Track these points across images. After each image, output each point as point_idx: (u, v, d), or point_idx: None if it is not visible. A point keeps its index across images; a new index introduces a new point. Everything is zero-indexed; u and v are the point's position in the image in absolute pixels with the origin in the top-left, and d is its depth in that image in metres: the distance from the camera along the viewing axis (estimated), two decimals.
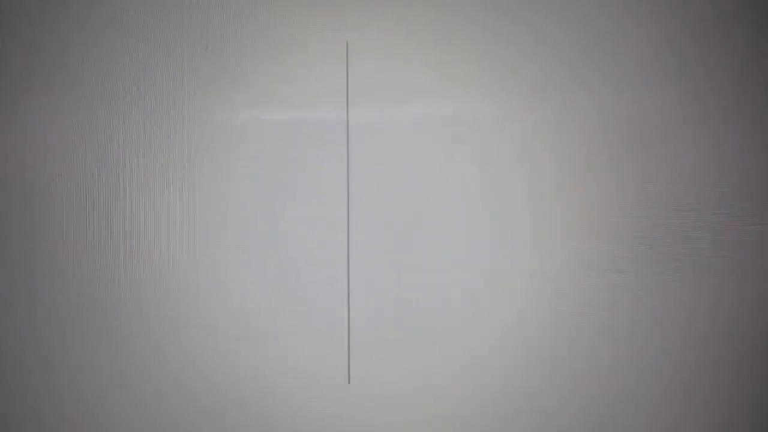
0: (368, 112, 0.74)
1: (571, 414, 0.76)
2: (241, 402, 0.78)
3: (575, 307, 0.74)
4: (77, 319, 0.78)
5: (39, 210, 0.77)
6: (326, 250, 0.76)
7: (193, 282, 0.77)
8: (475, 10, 0.73)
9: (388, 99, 0.74)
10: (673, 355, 0.74)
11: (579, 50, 0.73)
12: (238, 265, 0.76)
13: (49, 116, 0.76)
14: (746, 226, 0.72)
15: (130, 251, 0.77)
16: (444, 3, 0.73)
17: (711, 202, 0.73)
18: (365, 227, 0.75)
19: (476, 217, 0.75)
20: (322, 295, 0.76)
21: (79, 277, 0.77)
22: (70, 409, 0.79)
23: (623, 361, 0.74)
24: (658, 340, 0.74)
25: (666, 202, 0.73)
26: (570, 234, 0.74)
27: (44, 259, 0.78)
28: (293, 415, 0.78)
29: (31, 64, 0.75)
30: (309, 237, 0.76)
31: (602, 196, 0.73)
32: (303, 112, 0.74)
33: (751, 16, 0.71)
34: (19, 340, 0.78)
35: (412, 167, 0.75)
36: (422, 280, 0.75)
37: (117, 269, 0.77)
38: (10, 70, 0.75)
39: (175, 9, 0.74)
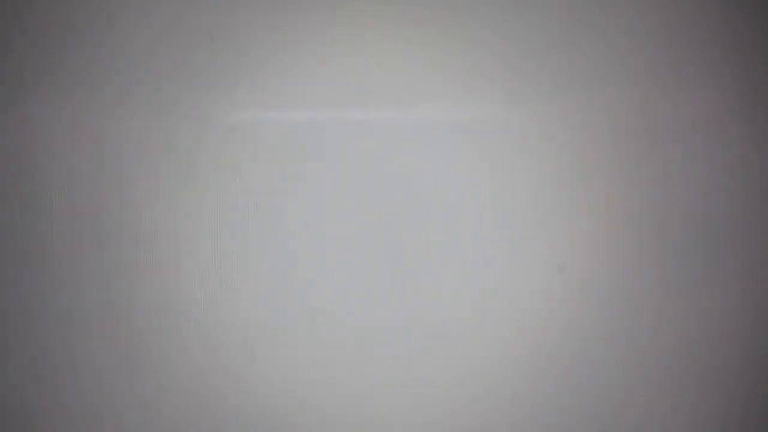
0: (369, 113, 0.74)
1: (578, 416, 0.76)
2: (244, 406, 0.78)
3: (580, 309, 0.75)
4: (82, 323, 0.78)
5: (44, 212, 0.77)
6: (330, 251, 0.76)
7: (199, 284, 0.77)
8: (479, 11, 0.73)
9: (391, 100, 0.74)
10: (681, 356, 0.74)
11: (585, 50, 0.73)
12: (242, 266, 0.77)
13: (54, 118, 0.76)
14: (755, 226, 0.73)
15: (134, 254, 0.77)
16: (447, 3, 0.73)
17: (717, 203, 0.73)
18: (368, 230, 0.75)
19: (481, 218, 0.75)
20: (325, 297, 0.76)
21: (84, 280, 0.77)
22: (72, 410, 0.79)
23: (630, 362, 0.75)
24: (667, 341, 0.74)
25: (672, 203, 0.73)
26: (576, 236, 0.74)
27: (50, 262, 0.78)
28: (300, 418, 0.78)
29: (36, 64, 0.75)
30: (313, 237, 0.76)
31: (609, 198, 0.73)
32: (306, 112, 0.74)
33: (761, 16, 0.71)
34: (23, 343, 0.78)
35: (415, 169, 0.75)
36: (427, 282, 0.75)
37: (122, 273, 0.77)
38: (14, 70, 0.75)
39: (181, 8, 0.74)
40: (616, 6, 0.73)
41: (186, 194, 0.76)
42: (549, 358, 0.75)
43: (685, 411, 0.75)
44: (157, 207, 0.76)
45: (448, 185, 0.75)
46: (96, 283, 0.78)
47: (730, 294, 0.73)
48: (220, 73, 0.75)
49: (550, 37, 0.73)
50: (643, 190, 0.73)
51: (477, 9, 0.73)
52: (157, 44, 0.74)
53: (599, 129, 0.73)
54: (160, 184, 0.76)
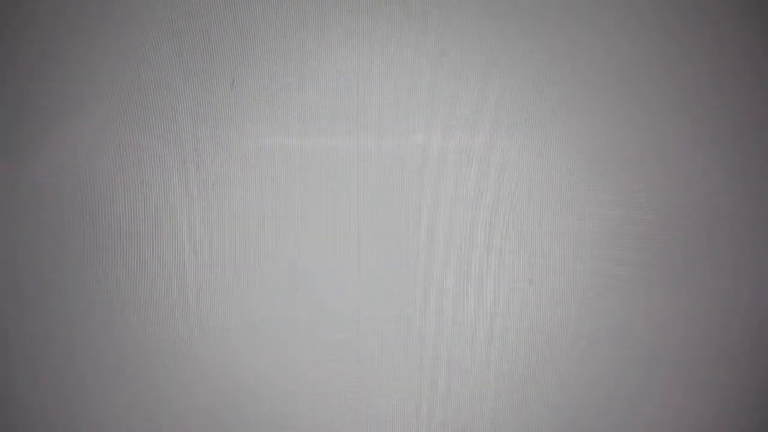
0: (377, 139, 0.75)
1: (581, 419, 0.76)
2: (249, 405, 0.78)
3: (583, 310, 0.75)
4: (86, 322, 0.78)
5: (56, 217, 0.77)
6: (337, 266, 0.76)
7: (200, 286, 0.77)
8: (481, 33, 0.74)
9: (399, 127, 0.74)
10: (682, 356, 0.74)
11: (585, 53, 0.73)
12: (244, 268, 0.77)
13: (83, 134, 0.76)
14: (754, 227, 0.73)
15: (144, 260, 0.77)
16: (452, 30, 0.74)
17: (719, 202, 0.73)
18: (375, 246, 0.76)
19: (484, 231, 0.75)
20: (325, 298, 0.77)
21: (91, 282, 0.77)
22: (73, 410, 0.79)
23: (630, 364, 0.75)
24: (667, 342, 0.74)
25: (674, 204, 0.73)
26: (579, 236, 0.74)
27: (54, 263, 0.78)
28: (304, 418, 0.78)
29: (70, 84, 0.76)
30: (321, 255, 0.76)
31: (611, 200, 0.73)
32: (316, 139, 0.75)
33: (761, 17, 0.71)
34: (27, 342, 0.79)
35: (421, 188, 0.75)
36: (426, 285, 0.76)
37: (129, 278, 0.77)
38: (49, 86, 0.76)
39: (196, 35, 0.75)
40: (618, 7, 0.73)
41: (190, 200, 0.76)
42: (552, 358, 0.75)
43: (689, 411, 0.75)
44: (160, 210, 0.77)
45: (445, 201, 0.75)
46: (96, 283, 0.78)
47: (730, 294, 0.73)
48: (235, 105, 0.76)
49: (550, 37, 0.73)
50: (643, 190, 0.73)
51: (485, 22, 0.74)
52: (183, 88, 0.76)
53: (599, 130, 0.73)
54: (164, 186, 0.77)
